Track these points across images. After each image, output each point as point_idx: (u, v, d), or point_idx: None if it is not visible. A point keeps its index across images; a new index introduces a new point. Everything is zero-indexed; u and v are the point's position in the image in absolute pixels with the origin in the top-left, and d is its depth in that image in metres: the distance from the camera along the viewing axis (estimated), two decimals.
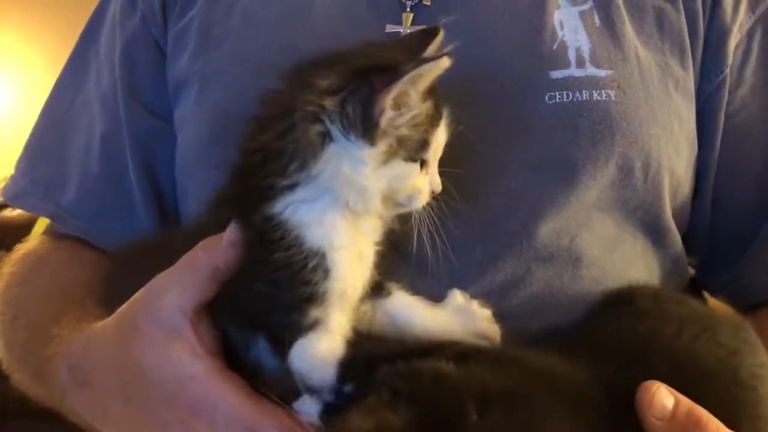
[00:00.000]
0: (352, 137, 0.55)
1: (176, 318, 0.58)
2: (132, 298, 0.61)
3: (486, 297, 0.64)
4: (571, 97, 0.67)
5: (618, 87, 0.68)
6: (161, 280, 0.60)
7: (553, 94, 0.68)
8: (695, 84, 0.74)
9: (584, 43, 0.70)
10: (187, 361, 0.57)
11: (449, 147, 0.61)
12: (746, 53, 0.76)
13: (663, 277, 0.74)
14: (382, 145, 0.55)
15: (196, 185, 0.77)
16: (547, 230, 0.66)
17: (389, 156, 0.56)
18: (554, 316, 0.65)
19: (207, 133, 0.74)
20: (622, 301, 0.63)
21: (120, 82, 0.81)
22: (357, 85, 0.55)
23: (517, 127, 0.68)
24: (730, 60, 0.75)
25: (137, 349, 0.59)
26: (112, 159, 0.82)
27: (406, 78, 0.54)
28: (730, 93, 0.75)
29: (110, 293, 0.69)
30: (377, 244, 0.60)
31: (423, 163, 0.58)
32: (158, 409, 0.58)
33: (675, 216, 0.74)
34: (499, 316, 0.63)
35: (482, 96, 0.69)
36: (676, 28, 0.73)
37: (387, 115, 0.55)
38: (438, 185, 0.59)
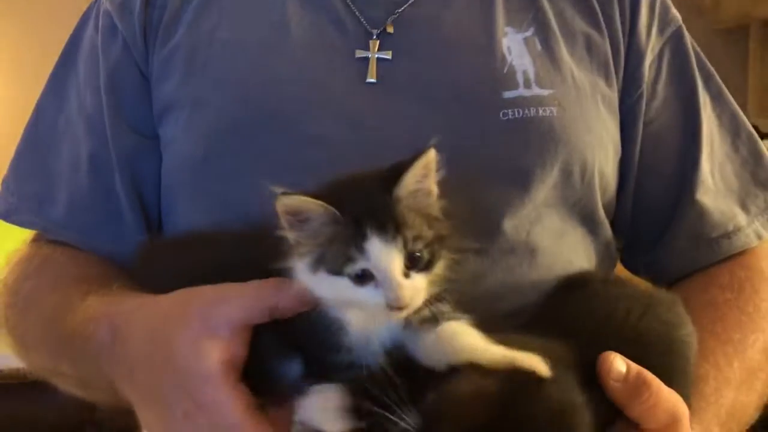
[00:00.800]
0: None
1: (222, 326, 0.65)
2: (196, 290, 0.67)
3: (459, 286, 0.75)
4: (521, 114, 0.79)
5: (558, 104, 0.80)
6: (229, 290, 0.66)
7: (506, 111, 0.79)
8: (618, 98, 0.87)
9: (529, 67, 0.82)
10: (212, 362, 0.63)
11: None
12: (658, 71, 0.90)
13: (598, 262, 0.87)
14: (305, 256, 0.61)
15: (185, 200, 0.85)
16: (507, 227, 0.78)
17: (315, 268, 0.61)
18: (516, 299, 0.76)
19: (200, 153, 0.81)
20: (577, 286, 0.75)
21: (106, 106, 0.87)
22: None
23: (477, 141, 0.79)
24: (646, 77, 0.88)
25: (179, 335, 0.65)
26: (100, 176, 0.88)
27: (278, 207, 0.60)
28: (646, 105, 0.88)
29: (150, 275, 0.76)
30: None
31: (364, 278, 0.59)
32: (170, 393, 0.65)
33: (604, 209, 0.87)
34: (471, 302, 0.75)
35: (445, 114, 0.79)
36: (602, 52, 0.86)
37: (285, 231, 0.61)
38: (395, 300, 0.59)
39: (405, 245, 0.60)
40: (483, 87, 0.80)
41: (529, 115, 0.79)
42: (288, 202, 0.60)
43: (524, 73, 0.81)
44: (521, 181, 0.78)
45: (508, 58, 0.82)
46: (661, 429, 0.64)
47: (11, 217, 0.90)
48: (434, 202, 0.64)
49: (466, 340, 0.63)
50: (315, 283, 0.62)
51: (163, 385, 0.66)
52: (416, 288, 0.60)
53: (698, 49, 0.96)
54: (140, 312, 0.71)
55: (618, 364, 0.63)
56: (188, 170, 0.83)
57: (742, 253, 0.90)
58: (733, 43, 2.79)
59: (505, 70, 0.81)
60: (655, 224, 0.91)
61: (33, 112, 0.94)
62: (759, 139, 0.95)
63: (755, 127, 0.99)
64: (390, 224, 0.60)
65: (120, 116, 0.87)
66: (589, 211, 0.85)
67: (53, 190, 0.89)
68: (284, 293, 0.64)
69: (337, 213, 0.60)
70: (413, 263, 0.60)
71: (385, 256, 0.59)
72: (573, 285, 0.76)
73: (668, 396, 0.64)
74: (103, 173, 0.87)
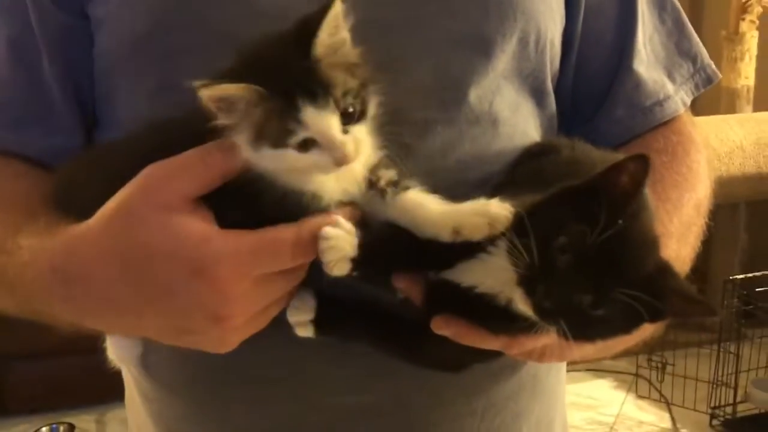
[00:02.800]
0: None
1: (179, 201, 0.63)
2: (122, 192, 0.65)
3: (429, 157, 0.75)
4: None
5: None
6: (165, 167, 0.64)
7: None
8: None
9: None
10: (195, 228, 0.63)
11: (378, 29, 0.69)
12: None
13: (543, 134, 0.89)
14: (244, 135, 0.62)
15: (125, 85, 0.79)
16: (472, 97, 0.78)
17: (257, 144, 0.62)
18: (484, 168, 0.78)
19: (143, 29, 0.76)
20: (549, 151, 0.78)
21: None
22: None
23: (437, 8, 0.77)
24: None
25: (141, 233, 0.63)
26: (25, 64, 0.80)
27: (203, 100, 0.60)
28: None
29: (71, 200, 0.71)
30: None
31: (307, 144, 0.61)
32: (176, 280, 0.63)
33: (551, 81, 0.89)
34: (442, 172, 0.75)
35: None
36: None
37: (218, 118, 0.62)
38: (342, 157, 0.62)
39: (337, 105, 0.62)
40: None
41: None
42: (211, 93, 0.60)
43: None
44: (483, 50, 0.78)
45: None
46: None
47: None
48: (351, 49, 0.65)
49: (431, 204, 0.67)
50: (259, 158, 0.63)
51: (161, 284, 0.64)
52: (358, 139, 0.63)
53: None
54: (77, 245, 0.67)
55: None
56: (129, 49, 0.77)
57: (671, 119, 0.95)
58: None
59: None
60: (596, 95, 0.93)
61: None
62: (681, 10, 0.99)
63: None
64: (319, 89, 0.61)
65: None
66: (539, 83, 0.86)
67: None
68: (234, 155, 0.63)
69: (264, 90, 0.60)
70: (349, 118, 0.63)
71: (322, 121, 0.61)
72: (545, 150, 0.78)
73: None
74: (29, 60, 0.80)
